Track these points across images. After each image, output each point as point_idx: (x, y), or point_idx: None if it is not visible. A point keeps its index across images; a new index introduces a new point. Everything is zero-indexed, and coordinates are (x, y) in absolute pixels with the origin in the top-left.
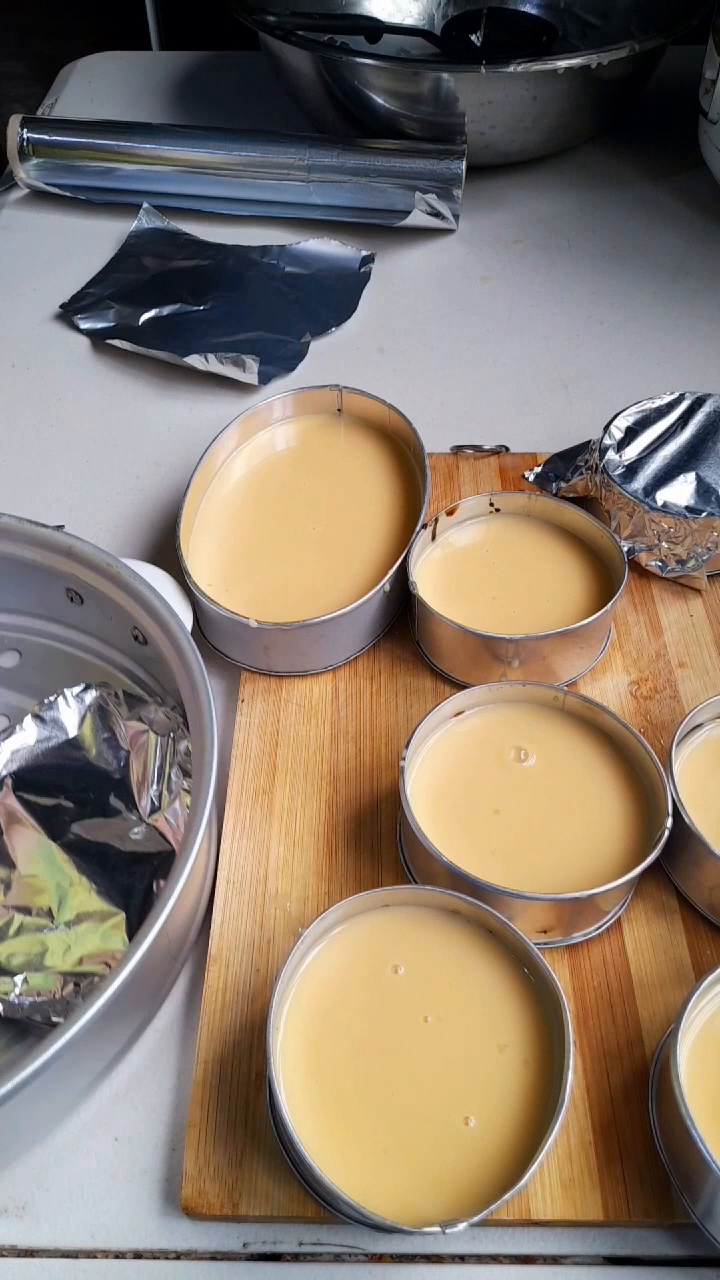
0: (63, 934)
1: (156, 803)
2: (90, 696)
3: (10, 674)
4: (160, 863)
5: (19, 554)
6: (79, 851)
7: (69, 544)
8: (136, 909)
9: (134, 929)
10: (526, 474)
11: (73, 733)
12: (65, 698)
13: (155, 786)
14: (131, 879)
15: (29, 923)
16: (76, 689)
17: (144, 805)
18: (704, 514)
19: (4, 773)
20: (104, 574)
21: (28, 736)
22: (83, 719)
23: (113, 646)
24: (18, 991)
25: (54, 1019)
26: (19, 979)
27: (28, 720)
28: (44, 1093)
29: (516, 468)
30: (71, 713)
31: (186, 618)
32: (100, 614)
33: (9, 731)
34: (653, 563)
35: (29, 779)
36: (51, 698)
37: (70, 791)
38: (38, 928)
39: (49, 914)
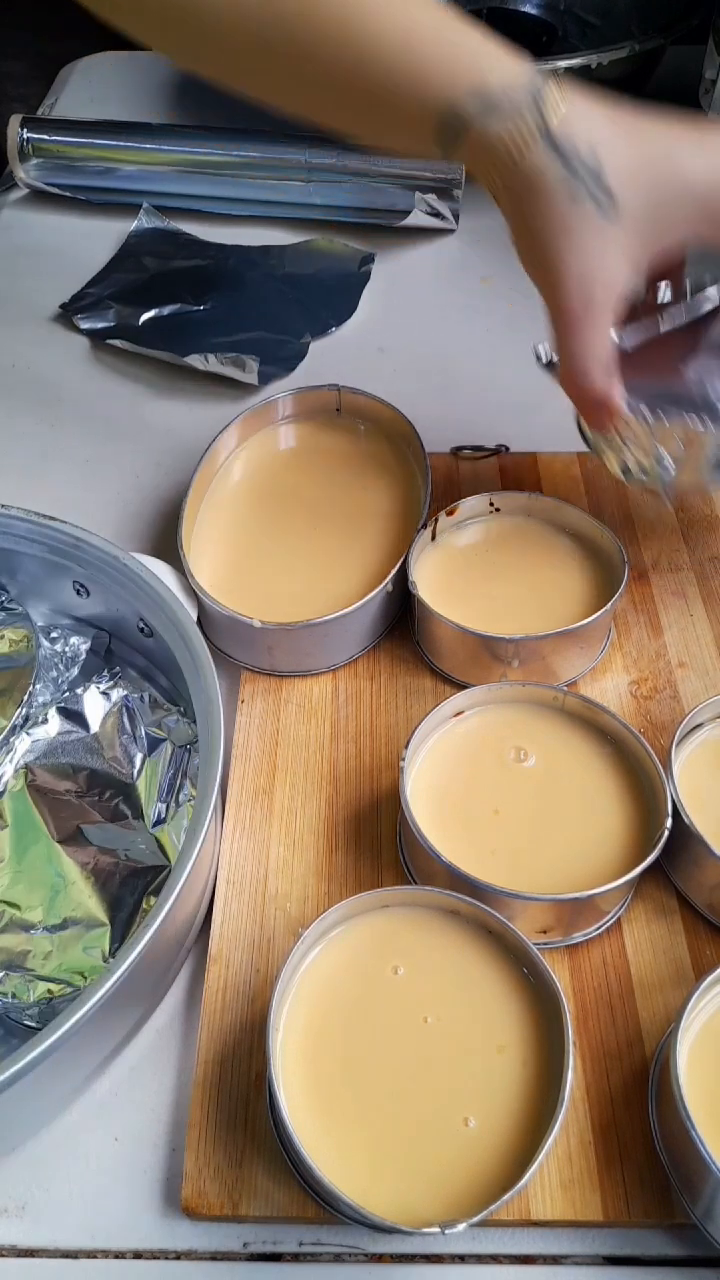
0: (47, 937)
1: (162, 815)
2: (117, 695)
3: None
4: (155, 877)
5: (27, 548)
6: (80, 854)
7: (78, 537)
8: (123, 922)
9: (117, 942)
10: (539, 347)
11: (94, 729)
12: (92, 690)
13: (164, 799)
14: (124, 890)
15: (17, 919)
16: (105, 682)
17: (150, 816)
18: (667, 418)
19: (22, 762)
20: (112, 566)
21: (50, 729)
22: (106, 717)
23: (119, 640)
24: None
25: (27, 1022)
26: None
27: (52, 712)
28: (35, 1090)
29: (516, 468)
30: (96, 709)
31: (191, 609)
32: (106, 607)
33: (34, 721)
34: (617, 467)
35: (45, 772)
36: (80, 689)
37: (82, 791)
38: (25, 926)
39: (38, 913)
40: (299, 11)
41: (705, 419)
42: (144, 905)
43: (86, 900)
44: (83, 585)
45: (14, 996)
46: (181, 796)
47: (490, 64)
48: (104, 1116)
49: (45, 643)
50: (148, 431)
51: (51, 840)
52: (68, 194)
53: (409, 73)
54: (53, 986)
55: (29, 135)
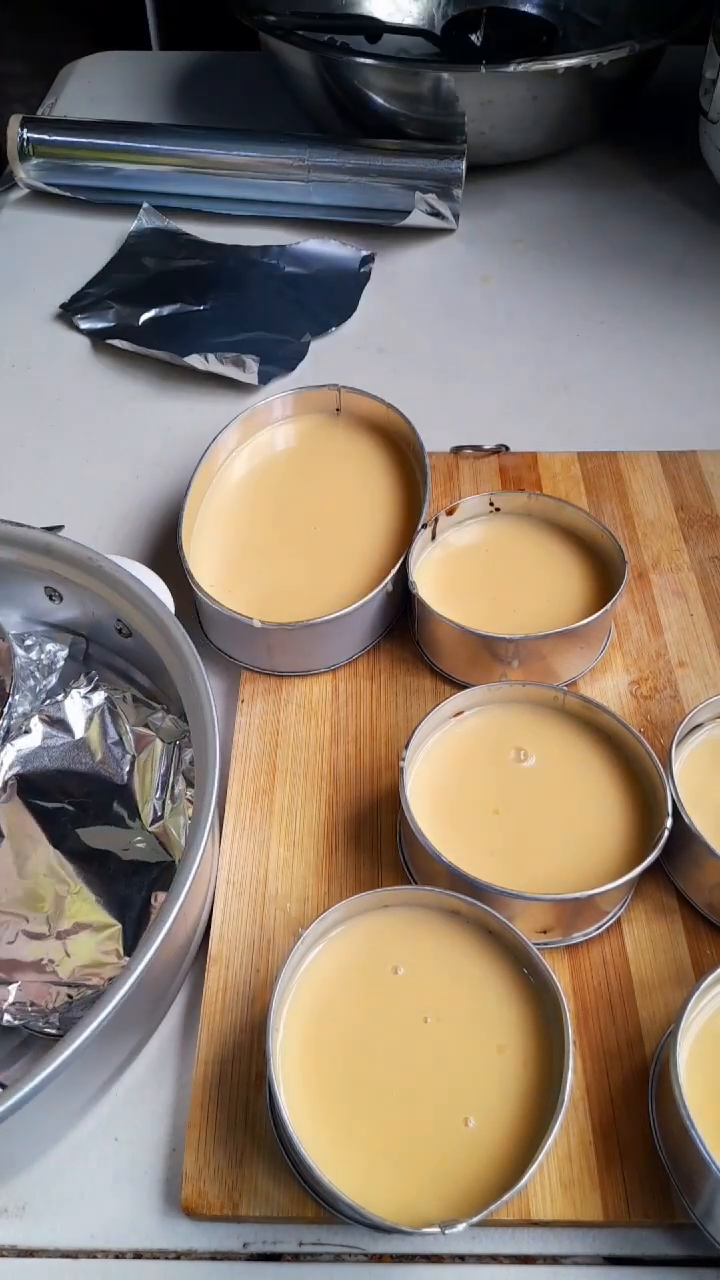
0: (59, 943)
1: (159, 812)
2: (98, 698)
3: None
4: (160, 874)
5: None
6: (79, 858)
7: (47, 540)
8: (133, 920)
9: (130, 940)
10: None
11: (79, 735)
12: (73, 696)
13: (159, 795)
14: (130, 889)
15: (26, 929)
16: (85, 687)
17: (147, 814)
18: None
19: (9, 775)
20: (85, 568)
21: (34, 738)
22: (90, 721)
23: (96, 643)
24: (12, 1000)
25: (48, 1030)
26: (14, 988)
27: (34, 721)
28: (50, 1103)
29: (516, 468)
30: (79, 713)
31: (169, 602)
32: (81, 610)
33: (16, 733)
34: None
35: (34, 782)
36: (60, 696)
37: (74, 796)
38: (35, 935)
39: (46, 922)
40: None
41: None
42: (152, 902)
43: (94, 902)
44: (55, 590)
45: (33, 1005)
46: (176, 791)
47: None
48: (105, 1118)
49: (20, 651)
50: (148, 432)
51: (50, 847)
52: (68, 194)
53: None
54: (71, 991)
55: (29, 135)
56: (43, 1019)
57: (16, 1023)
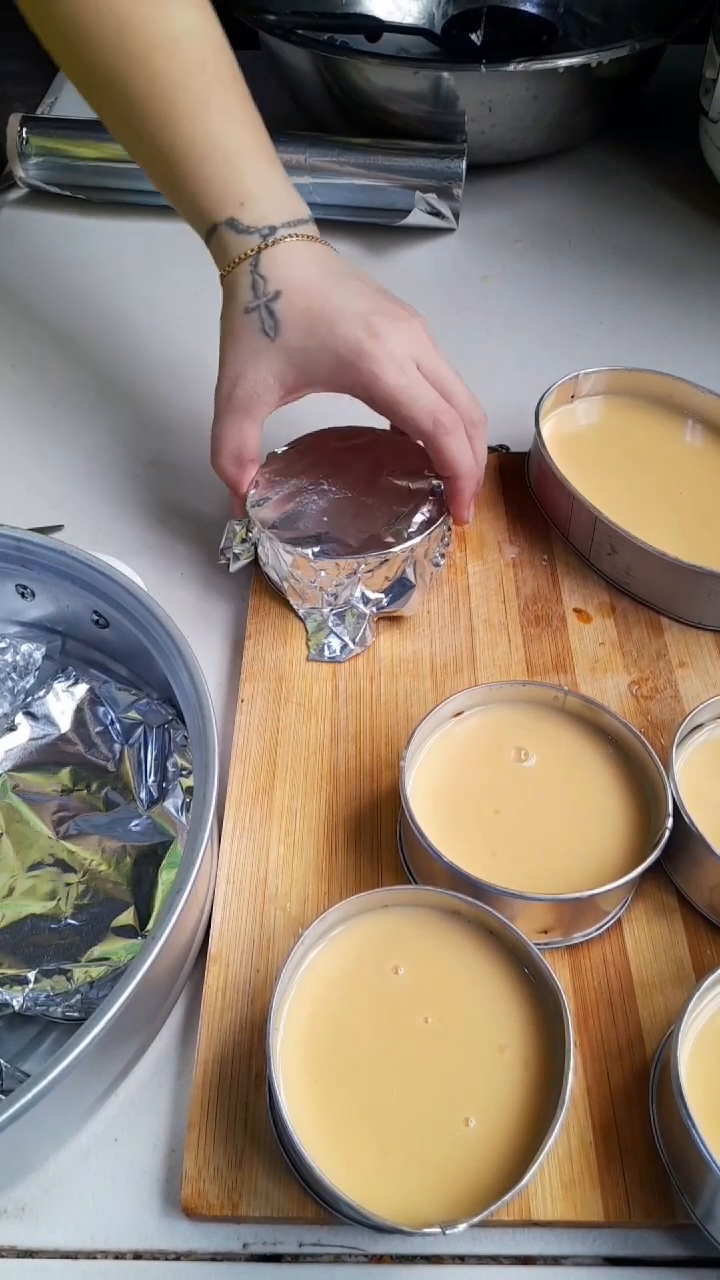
0: (72, 929)
1: (155, 793)
2: (81, 690)
3: None
4: (164, 852)
5: None
6: (83, 844)
7: (18, 538)
8: (144, 899)
9: (143, 919)
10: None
11: (65, 728)
12: (55, 691)
13: (153, 776)
14: (138, 870)
15: (38, 918)
16: (65, 682)
17: (143, 796)
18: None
19: (1, 771)
20: (60, 563)
21: (20, 735)
22: (74, 712)
23: (71, 638)
24: (32, 988)
25: (70, 1014)
26: (32, 975)
27: (19, 718)
28: (60, 1101)
29: (517, 467)
30: (62, 707)
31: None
32: (56, 606)
33: (1, 730)
34: (235, 544)
35: (27, 776)
36: (41, 692)
37: (69, 787)
38: (49, 920)
39: (58, 906)
40: (138, 104)
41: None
42: (159, 880)
43: (104, 885)
44: (27, 587)
45: (53, 990)
46: (170, 772)
47: (252, 199)
48: (105, 1118)
49: None
50: (149, 433)
51: (50, 839)
52: (68, 194)
53: (194, 187)
54: (92, 970)
55: (29, 135)
56: (63, 1003)
57: (35, 1010)
